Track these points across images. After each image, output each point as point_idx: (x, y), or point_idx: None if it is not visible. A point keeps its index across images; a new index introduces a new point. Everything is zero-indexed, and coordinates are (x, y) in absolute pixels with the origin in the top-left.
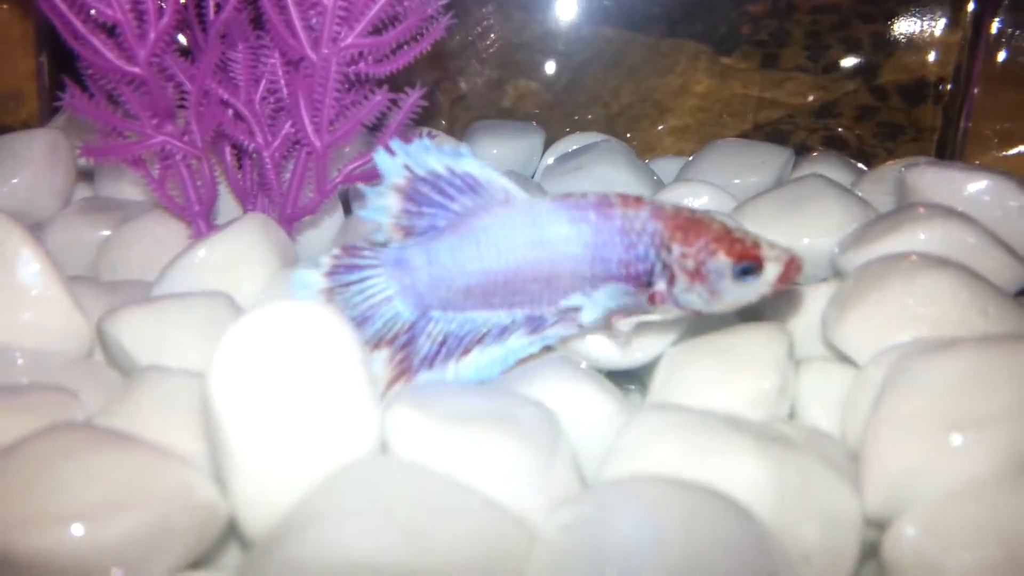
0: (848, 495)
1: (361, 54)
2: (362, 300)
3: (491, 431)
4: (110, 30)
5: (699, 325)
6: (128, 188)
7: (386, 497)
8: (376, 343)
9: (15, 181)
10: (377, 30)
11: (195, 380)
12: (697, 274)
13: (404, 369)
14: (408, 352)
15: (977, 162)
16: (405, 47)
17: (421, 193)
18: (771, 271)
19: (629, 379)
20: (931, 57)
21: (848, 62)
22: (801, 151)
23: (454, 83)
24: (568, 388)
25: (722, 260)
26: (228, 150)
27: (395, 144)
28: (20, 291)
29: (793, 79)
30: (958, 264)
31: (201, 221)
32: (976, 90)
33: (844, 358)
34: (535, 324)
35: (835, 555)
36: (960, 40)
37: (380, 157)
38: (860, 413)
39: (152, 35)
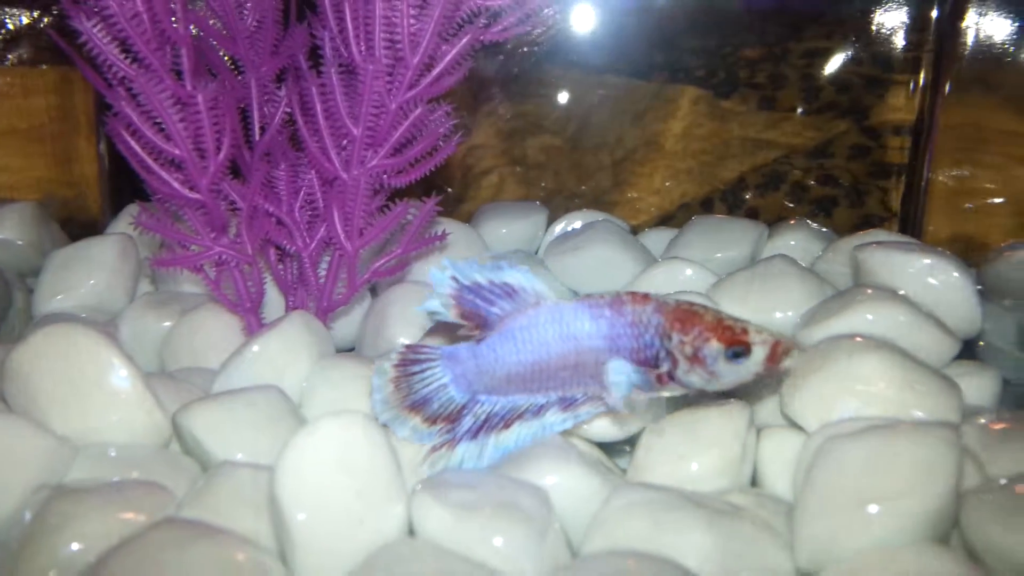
0: (782, 555)
1: (384, 171)
2: (423, 386)
3: (495, 517)
4: (175, 163)
5: (673, 402)
6: (184, 284)
7: (412, 572)
8: (434, 420)
9: (92, 282)
10: (398, 150)
11: (261, 473)
12: (695, 358)
13: (449, 439)
14: (456, 426)
15: (936, 212)
16: (421, 161)
17: (466, 299)
18: (758, 353)
19: (628, 445)
20: (906, 99)
21: (840, 103)
22: (798, 191)
23: (467, 132)
24: (560, 469)
25: (714, 346)
26: (272, 251)
27: (447, 261)
28: (112, 395)
29: (789, 120)
30: (891, 344)
31: (251, 316)
32: (936, 138)
33: (798, 427)
34: (567, 403)
35: None
36: (926, 83)
37: (433, 272)
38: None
39: (212, 168)
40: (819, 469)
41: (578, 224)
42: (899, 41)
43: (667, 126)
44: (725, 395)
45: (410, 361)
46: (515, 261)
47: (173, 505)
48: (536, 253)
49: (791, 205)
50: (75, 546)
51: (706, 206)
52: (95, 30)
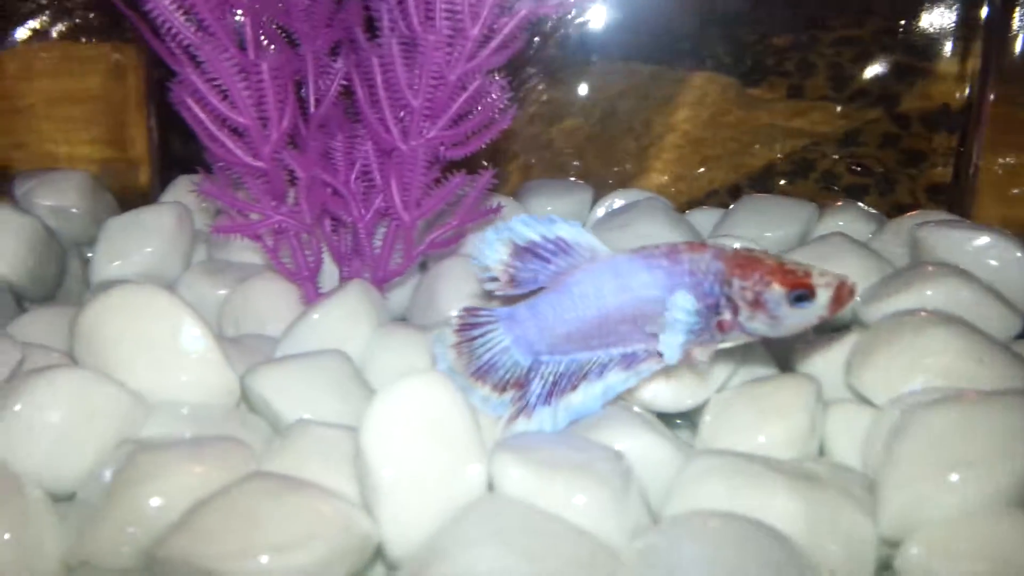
0: (865, 520)
1: (442, 142)
2: (485, 351)
3: (577, 477)
4: (238, 131)
5: (739, 373)
6: (235, 252)
7: (501, 528)
8: (503, 387)
9: (149, 250)
10: (454, 122)
11: (336, 430)
12: (757, 304)
13: (523, 407)
14: (526, 392)
15: (986, 197)
16: (477, 134)
17: (522, 259)
18: (823, 296)
19: (680, 418)
20: (949, 86)
21: (870, 91)
22: (828, 178)
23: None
24: (634, 435)
25: (776, 290)
26: (328, 221)
27: (499, 223)
28: (184, 355)
29: (818, 108)
30: (959, 319)
31: (309, 284)
32: (987, 124)
33: (865, 400)
34: (629, 360)
35: (856, 570)
36: (974, 71)
37: (488, 232)
38: (877, 449)
39: (275, 136)
40: (901, 438)
41: (624, 202)
42: (944, 29)
43: (694, 113)
44: (789, 368)
45: (470, 325)
46: None
47: (254, 461)
48: None
49: (835, 189)
50: (161, 500)
51: (734, 193)
52: None
